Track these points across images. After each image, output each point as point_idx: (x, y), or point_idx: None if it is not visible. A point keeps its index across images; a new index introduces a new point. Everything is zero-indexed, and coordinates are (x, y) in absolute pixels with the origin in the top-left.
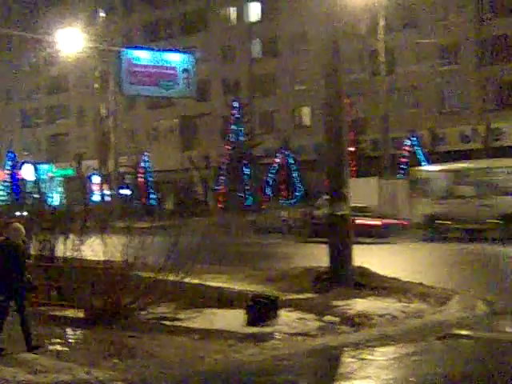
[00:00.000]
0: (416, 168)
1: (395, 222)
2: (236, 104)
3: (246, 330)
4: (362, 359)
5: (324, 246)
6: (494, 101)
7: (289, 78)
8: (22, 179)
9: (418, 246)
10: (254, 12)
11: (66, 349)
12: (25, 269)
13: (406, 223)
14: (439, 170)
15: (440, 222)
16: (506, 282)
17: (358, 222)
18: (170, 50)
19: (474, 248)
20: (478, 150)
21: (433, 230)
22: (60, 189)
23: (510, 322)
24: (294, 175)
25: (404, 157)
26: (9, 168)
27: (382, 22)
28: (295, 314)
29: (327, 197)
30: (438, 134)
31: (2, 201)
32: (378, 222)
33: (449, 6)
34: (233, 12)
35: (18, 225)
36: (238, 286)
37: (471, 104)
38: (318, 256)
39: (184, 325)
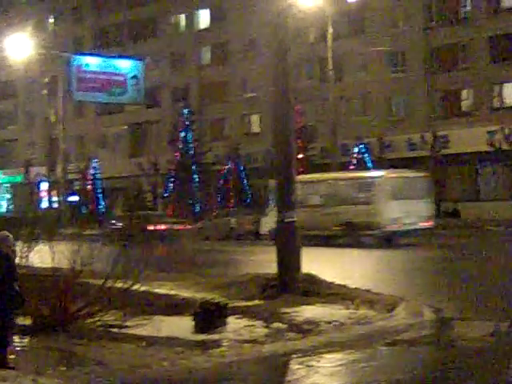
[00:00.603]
0: (272, 180)
1: None
2: (185, 111)
3: (194, 337)
4: (310, 366)
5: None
6: (441, 108)
7: (238, 85)
8: None
9: (362, 252)
10: (204, 19)
11: (12, 356)
12: (15, 281)
13: None
14: None
15: None
16: (452, 288)
17: None
18: (120, 57)
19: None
20: (426, 158)
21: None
22: (8, 195)
23: (457, 328)
24: (243, 182)
25: (352, 164)
26: None
27: (330, 30)
28: (243, 321)
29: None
30: (386, 141)
31: None
32: None
33: (397, 15)
34: (182, 19)
35: (6, 233)
36: (186, 293)
37: (418, 112)
38: (267, 263)
39: (132, 332)
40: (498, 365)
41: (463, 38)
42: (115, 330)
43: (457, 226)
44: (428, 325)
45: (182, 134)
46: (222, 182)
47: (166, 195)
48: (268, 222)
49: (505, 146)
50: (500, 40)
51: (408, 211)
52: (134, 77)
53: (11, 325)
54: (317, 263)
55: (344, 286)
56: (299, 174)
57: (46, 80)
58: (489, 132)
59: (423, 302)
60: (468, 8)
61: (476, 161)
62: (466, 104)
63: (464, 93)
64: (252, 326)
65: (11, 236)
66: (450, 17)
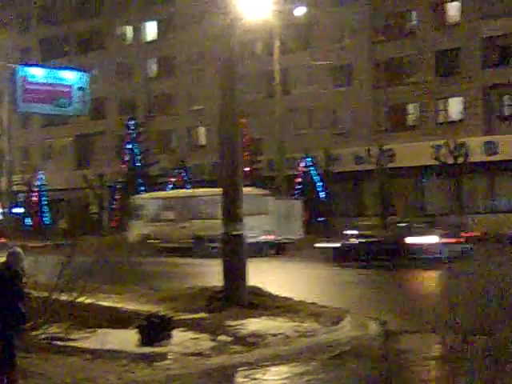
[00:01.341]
0: (135, 196)
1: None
2: (132, 123)
3: (140, 350)
4: (255, 379)
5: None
6: (387, 122)
7: (185, 97)
8: None
9: (308, 265)
10: (151, 31)
11: None
12: (21, 299)
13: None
14: (151, 197)
15: (151, 241)
16: (397, 301)
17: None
18: (66, 68)
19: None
20: (372, 171)
21: (148, 247)
22: None
23: (402, 340)
24: None
25: (299, 177)
26: None
27: (277, 43)
28: (189, 334)
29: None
30: (333, 154)
31: None
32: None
33: (343, 29)
34: (129, 31)
35: (17, 249)
36: (131, 306)
37: (364, 125)
38: (214, 275)
39: (77, 345)
40: (443, 377)
41: (409, 52)
42: (60, 342)
43: None
44: (373, 337)
45: (129, 146)
46: None
47: (111, 207)
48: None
49: (450, 160)
50: (445, 55)
51: (251, 226)
52: (80, 88)
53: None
54: (261, 276)
55: (289, 299)
56: (246, 186)
57: None
58: (434, 146)
59: (368, 313)
60: (414, 23)
61: (421, 174)
62: (411, 118)
63: (409, 107)
64: (198, 338)
65: (22, 253)
66: (396, 31)
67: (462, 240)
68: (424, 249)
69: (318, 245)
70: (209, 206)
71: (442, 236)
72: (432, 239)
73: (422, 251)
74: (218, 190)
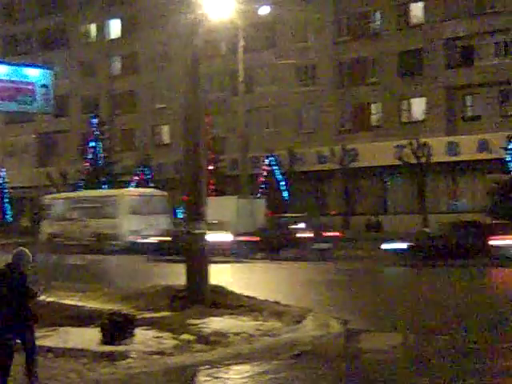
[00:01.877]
0: (45, 196)
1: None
2: (95, 121)
3: (102, 348)
4: (217, 378)
5: (182, 264)
6: (350, 122)
7: (149, 95)
8: None
9: (272, 264)
10: (115, 29)
11: None
12: (30, 298)
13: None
14: (58, 198)
15: (57, 239)
16: (359, 301)
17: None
18: (29, 65)
19: (327, 267)
20: (335, 170)
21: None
22: None
23: (364, 340)
24: None
25: (262, 176)
26: None
27: (241, 42)
28: (151, 333)
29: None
30: (296, 153)
31: None
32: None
33: (307, 28)
34: (93, 28)
35: (24, 250)
36: (94, 304)
37: (328, 125)
38: (177, 274)
39: (38, 343)
40: (404, 377)
41: (372, 52)
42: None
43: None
44: (335, 336)
45: (92, 144)
46: None
47: None
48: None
49: (412, 160)
50: (408, 55)
51: (147, 225)
52: (44, 86)
53: (33, 349)
54: (224, 275)
55: (253, 298)
56: (209, 185)
57: None
58: (397, 146)
59: (330, 313)
60: (377, 23)
61: (384, 174)
62: (374, 118)
63: (373, 107)
64: (160, 337)
65: (28, 253)
66: (359, 31)
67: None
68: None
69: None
70: (109, 206)
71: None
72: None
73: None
74: (116, 191)
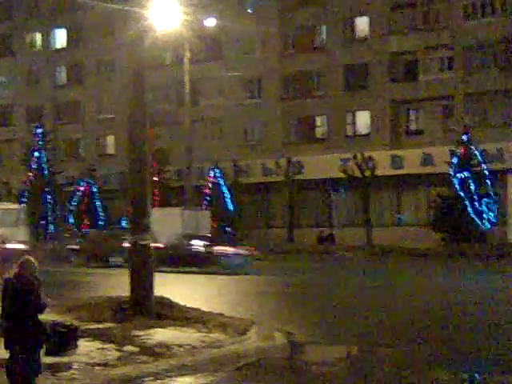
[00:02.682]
0: None
1: None
2: (39, 131)
3: (44, 359)
4: None
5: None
6: (296, 135)
7: (94, 105)
8: None
9: (219, 276)
10: (60, 38)
11: None
12: (39, 312)
13: None
14: None
15: None
16: (304, 313)
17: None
18: None
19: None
20: (281, 183)
21: None
22: None
23: (308, 352)
24: (96, 204)
25: (207, 188)
26: None
27: (187, 54)
28: (95, 344)
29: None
30: (241, 165)
31: None
32: None
33: (254, 41)
34: (38, 37)
35: (28, 257)
36: None
37: (274, 137)
38: (122, 285)
39: None
40: None
41: (318, 65)
42: None
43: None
44: (279, 349)
45: (36, 154)
46: (76, 203)
47: None
48: None
49: (357, 174)
50: (354, 69)
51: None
52: None
53: (35, 368)
54: (169, 287)
55: (197, 310)
56: (154, 196)
57: None
58: (342, 159)
59: (275, 325)
60: (323, 37)
61: (329, 187)
62: (319, 131)
63: (318, 120)
64: (104, 348)
65: (34, 260)
66: (305, 45)
67: None
68: None
69: None
70: None
71: None
72: None
73: None
74: None
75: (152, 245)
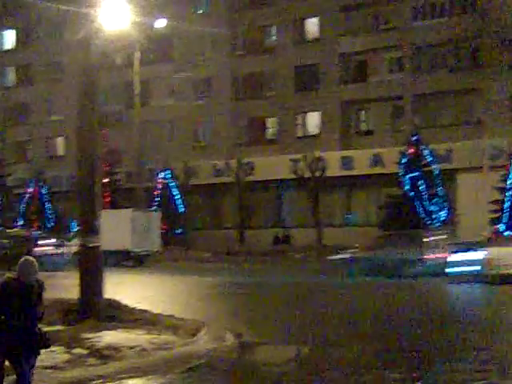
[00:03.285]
0: None
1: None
2: None
3: None
4: None
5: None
6: (246, 136)
7: (43, 107)
8: None
9: (168, 277)
10: (9, 39)
11: None
12: (38, 317)
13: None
14: None
15: None
16: (254, 313)
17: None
18: None
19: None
20: (231, 184)
21: None
22: None
23: (259, 352)
24: (46, 206)
25: (157, 189)
26: None
27: (137, 55)
28: None
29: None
30: (192, 167)
31: None
32: None
33: (204, 42)
34: None
35: (29, 259)
36: None
37: (224, 138)
38: (70, 287)
39: None
40: None
41: (268, 66)
42: None
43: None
44: (230, 349)
45: None
46: (24, 205)
47: None
48: None
49: (307, 174)
50: (304, 70)
51: None
52: None
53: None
54: (119, 289)
55: (147, 312)
56: (104, 198)
57: None
58: (292, 160)
59: (225, 326)
60: (273, 38)
61: (280, 188)
62: (270, 132)
63: (268, 121)
64: (52, 351)
65: (35, 262)
66: (255, 46)
67: None
68: None
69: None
70: None
71: None
72: None
73: None
74: None
75: None
